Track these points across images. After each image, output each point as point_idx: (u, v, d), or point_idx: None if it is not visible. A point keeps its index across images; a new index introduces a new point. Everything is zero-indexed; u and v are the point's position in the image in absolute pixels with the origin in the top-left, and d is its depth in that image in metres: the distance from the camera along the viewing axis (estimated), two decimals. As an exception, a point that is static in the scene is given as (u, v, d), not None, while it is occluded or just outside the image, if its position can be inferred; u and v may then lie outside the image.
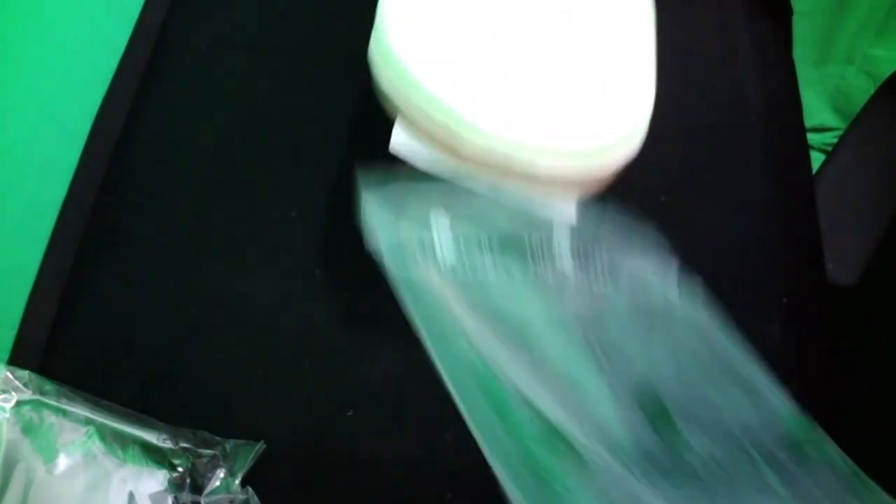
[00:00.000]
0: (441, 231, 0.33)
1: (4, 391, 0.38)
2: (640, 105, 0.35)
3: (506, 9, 0.36)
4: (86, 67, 0.52)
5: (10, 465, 0.36)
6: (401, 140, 0.35)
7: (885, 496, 0.29)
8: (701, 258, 0.44)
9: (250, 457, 0.38)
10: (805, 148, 0.49)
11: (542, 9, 0.37)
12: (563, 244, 0.33)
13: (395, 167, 0.34)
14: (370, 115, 0.48)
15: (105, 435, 0.38)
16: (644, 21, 0.38)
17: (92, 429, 0.38)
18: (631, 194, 0.46)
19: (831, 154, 0.59)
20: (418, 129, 0.34)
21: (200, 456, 0.38)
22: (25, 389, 0.38)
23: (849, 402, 0.41)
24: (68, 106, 0.51)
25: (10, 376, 0.38)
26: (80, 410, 0.38)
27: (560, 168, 0.34)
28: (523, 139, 0.33)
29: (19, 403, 0.38)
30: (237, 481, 0.38)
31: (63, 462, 0.37)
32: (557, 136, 0.34)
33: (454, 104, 0.33)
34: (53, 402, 0.38)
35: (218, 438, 0.39)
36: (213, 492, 0.37)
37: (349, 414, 0.41)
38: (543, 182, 0.34)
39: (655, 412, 0.32)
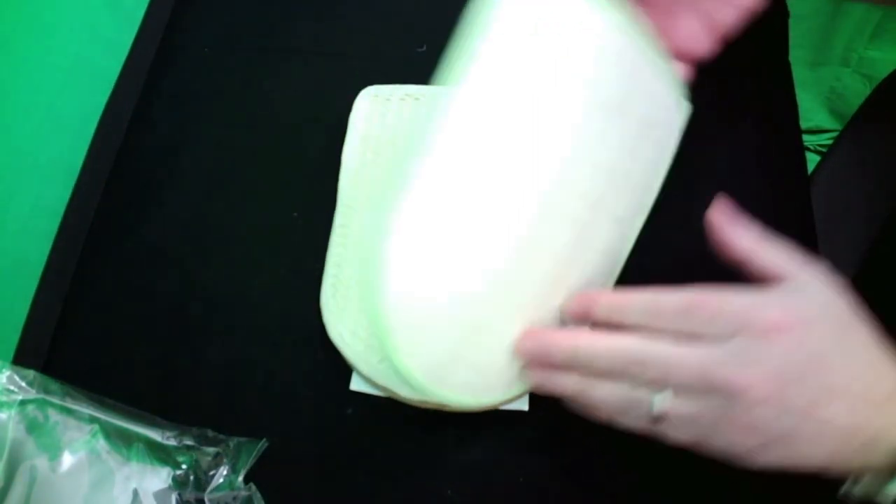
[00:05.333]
0: None
1: (9, 390, 0.38)
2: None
3: None
4: (90, 69, 0.53)
5: (14, 463, 0.36)
6: (358, 385, 0.41)
7: None
8: (696, 257, 0.44)
9: (253, 454, 0.38)
10: (801, 149, 0.49)
11: None
12: None
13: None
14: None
15: (109, 433, 0.38)
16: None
17: (96, 427, 0.38)
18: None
19: (826, 154, 0.59)
20: (369, 383, 0.41)
21: (204, 454, 0.38)
22: (30, 388, 0.38)
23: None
24: (73, 107, 0.51)
25: (15, 376, 0.38)
26: (85, 409, 0.39)
27: (494, 402, 0.39)
28: (455, 400, 0.37)
29: (24, 402, 0.38)
30: (240, 478, 0.38)
31: (67, 460, 0.37)
32: (484, 393, 0.38)
33: (390, 379, 0.39)
34: (58, 401, 0.38)
35: (221, 436, 0.39)
36: (216, 489, 0.37)
37: (349, 412, 0.41)
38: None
39: None
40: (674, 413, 0.32)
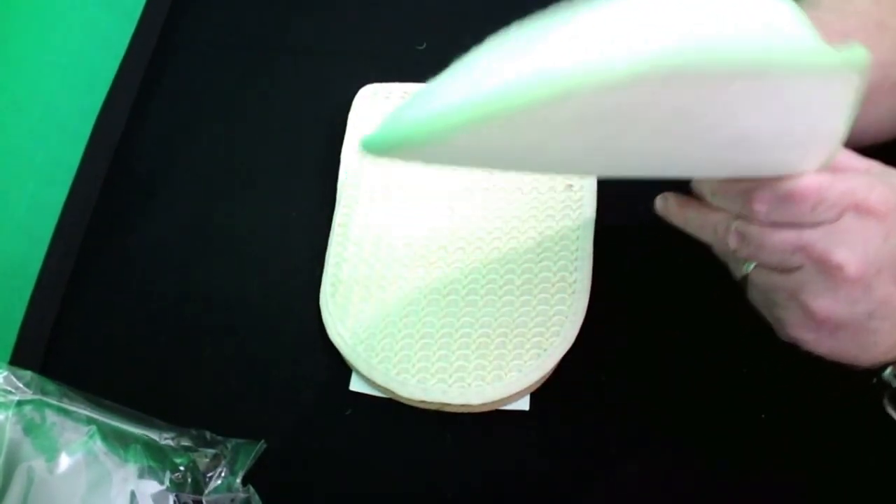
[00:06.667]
0: None
1: (6, 391, 0.38)
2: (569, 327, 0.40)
3: (427, 271, 0.42)
4: (87, 68, 0.53)
5: (11, 464, 0.36)
6: (358, 385, 0.41)
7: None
8: (696, 255, 0.44)
9: (251, 456, 0.38)
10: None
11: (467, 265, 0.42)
12: None
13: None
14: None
15: (106, 434, 0.38)
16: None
17: (93, 428, 0.38)
18: (625, 197, 0.47)
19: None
20: (369, 384, 0.41)
21: (202, 455, 0.38)
22: (27, 389, 0.38)
23: (847, 387, 0.41)
24: (70, 106, 0.51)
25: (12, 377, 0.38)
26: (82, 410, 0.38)
27: (494, 401, 0.39)
28: (453, 399, 0.39)
29: (21, 403, 0.38)
30: (238, 480, 0.38)
31: (65, 461, 0.37)
32: (482, 392, 0.39)
33: (390, 379, 0.39)
34: (55, 402, 0.38)
35: (219, 438, 0.39)
36: (214, 490, 0.37)
37: (348, 413, 0.41)
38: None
39: None
40: (757, 278, 0.33)
